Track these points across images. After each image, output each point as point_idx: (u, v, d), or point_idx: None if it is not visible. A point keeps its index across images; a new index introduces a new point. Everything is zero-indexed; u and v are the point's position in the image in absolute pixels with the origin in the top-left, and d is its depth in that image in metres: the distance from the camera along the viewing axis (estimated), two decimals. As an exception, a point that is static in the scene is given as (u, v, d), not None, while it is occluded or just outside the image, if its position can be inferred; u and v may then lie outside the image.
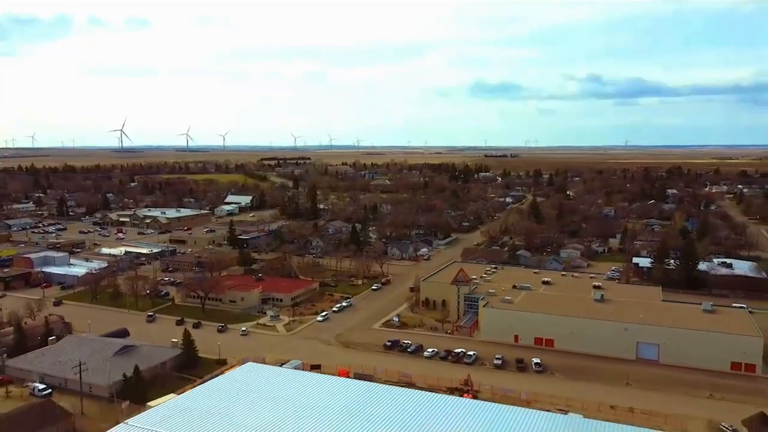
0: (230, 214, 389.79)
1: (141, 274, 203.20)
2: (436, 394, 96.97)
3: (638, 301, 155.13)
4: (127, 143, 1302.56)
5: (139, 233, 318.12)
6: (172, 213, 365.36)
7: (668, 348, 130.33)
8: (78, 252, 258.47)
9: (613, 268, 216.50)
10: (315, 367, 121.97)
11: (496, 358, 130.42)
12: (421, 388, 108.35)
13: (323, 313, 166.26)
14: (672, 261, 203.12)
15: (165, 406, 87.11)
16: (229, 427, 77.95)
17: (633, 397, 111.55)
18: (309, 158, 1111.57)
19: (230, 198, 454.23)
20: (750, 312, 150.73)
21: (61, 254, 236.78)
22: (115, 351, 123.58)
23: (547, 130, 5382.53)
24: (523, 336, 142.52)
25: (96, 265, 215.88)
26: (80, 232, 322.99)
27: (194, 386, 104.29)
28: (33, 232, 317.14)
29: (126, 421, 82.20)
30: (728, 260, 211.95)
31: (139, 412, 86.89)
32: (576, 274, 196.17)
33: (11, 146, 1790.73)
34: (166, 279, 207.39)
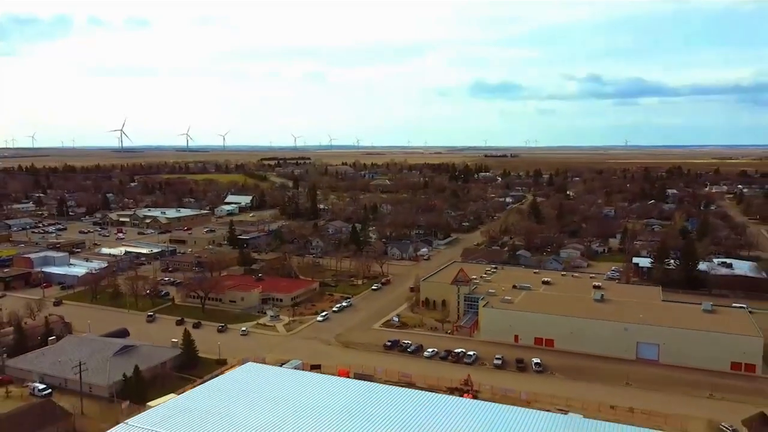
0: (230, 214, 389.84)
1: (141, 274, 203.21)
2: (436, 394, 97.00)
3: (638, 301, 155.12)
4: (127, 143, 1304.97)
5: (139, 233, 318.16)
6: (172, 213, 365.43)
7: (668, 348, 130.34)
8: (78, 252, 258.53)
9: (613, 268, 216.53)
10: (315, 367, 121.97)
11: (496, 358, 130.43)
12: (421, 388, 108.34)
13: (323, 313, 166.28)
14: (672, 261, 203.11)
15: (165, 406, 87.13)
16: (229, 427, 77.97)
17: (633, 397, 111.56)
18: (309, 158, 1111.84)
19: (230, 198, 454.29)
20: (750, 312, 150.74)
21: (61, 254, 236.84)
22: (115, 351, 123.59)
23: (547, 130, 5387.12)
24: (523, 336, 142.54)
25: (96, 265, 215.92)
26: (80, 232, 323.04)
27: (194, 386, 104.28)
28: (33, 232, 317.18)
29: (126, 421, 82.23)
30: (728, 260, 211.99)
31: (139, 412, 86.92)
32: (576, 274, 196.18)
33: (11, 146, 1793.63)
34: (166, 279, 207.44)
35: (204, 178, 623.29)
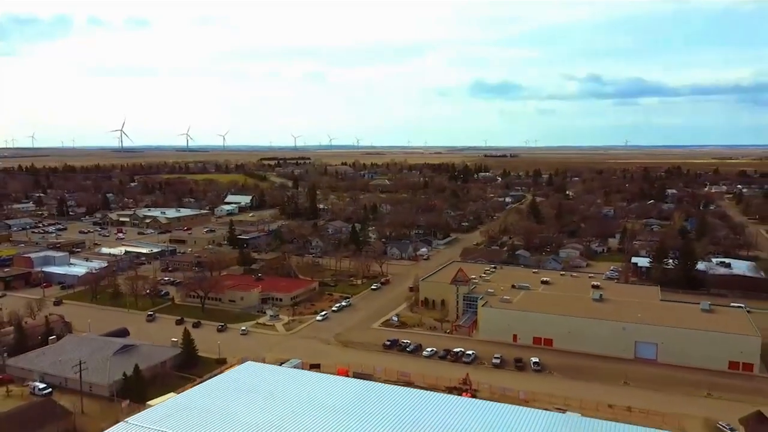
0: (230, 214, 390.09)
1: (141, 273, 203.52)
2: (435, 393, 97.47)
3: (637, 300, 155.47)
4: (127, 143, 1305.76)
5: (139, 233, 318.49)
6: (172, 213, 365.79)
7: (666, 347, 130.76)
8: (78, 252, 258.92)
9: (612, 267, 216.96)
10: (314, 367, 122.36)
11: (495, 358, 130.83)
12: (420, 387, 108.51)
13: (323, 313, 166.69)
14: (671, 261, 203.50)
15: (165, 405, 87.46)
16: (228, 426, 78.34)
17: (631, 396, 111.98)
18: (309, 158, 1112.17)
19: (230, 198, 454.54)
20: (748, 311, 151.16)
21: (61, 254, 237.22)
22: (115, 350, 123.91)
23: (547, 130, 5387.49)
24: (521, 335, 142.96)
25: (96, 264, 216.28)
26: (80, 232, 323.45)
27: (194, 385, 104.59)
28: (33, 232, 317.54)
29: (126, 419, 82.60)
30: (727, 260, 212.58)
31: (139, 411, 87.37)
32: (575, 274, 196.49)
33: (11, 146, 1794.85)
34: (166, 279, 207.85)
35: (204, 178, 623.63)
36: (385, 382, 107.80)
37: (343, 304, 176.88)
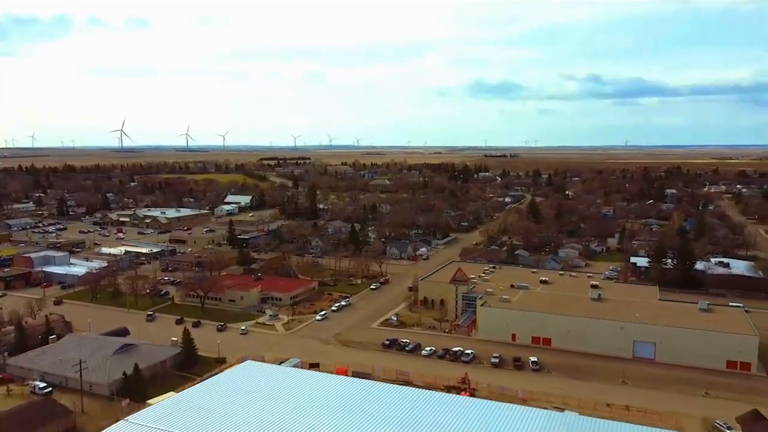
0: (230, 213, 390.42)
1: (141, 273, 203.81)
2: (434, 392, 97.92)
3: (635, 300, 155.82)
4: (127, 143, 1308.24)
5: (139, 233, 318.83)
6: (171, 213, 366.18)
7: (665, 347, 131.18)
8: (78, 251, 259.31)
9: (611, 267, 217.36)
10: (313, 366, 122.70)
11: (494, 357, 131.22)
12: (419, 387, 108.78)
13: (322, 313, 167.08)
14: (669, 261, 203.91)
15: (165, 404, 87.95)
16: (228, 425, 78.79)
17: (629, 395, 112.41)
18: (309, 158, 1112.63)
19: (230, 198, 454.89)
20: (746, 311, 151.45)
21: (61, 254, 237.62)
22: (115, 349, 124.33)
23: (547, 130, 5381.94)
24: (520, 335, 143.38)
25: (96, 264, 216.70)
26: (80, 231, 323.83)
27: (194, 384, 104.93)
28: (33, 231, 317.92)
29: (126, 418, 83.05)
30: (725, 260, 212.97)
31: (139, 410, 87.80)
32: (574, 274, 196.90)
33: (11, 146, 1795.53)
34: (166, 278, 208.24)
35: (204, 178, 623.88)
36: (384, 381, 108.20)
37: (343, 303, 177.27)
